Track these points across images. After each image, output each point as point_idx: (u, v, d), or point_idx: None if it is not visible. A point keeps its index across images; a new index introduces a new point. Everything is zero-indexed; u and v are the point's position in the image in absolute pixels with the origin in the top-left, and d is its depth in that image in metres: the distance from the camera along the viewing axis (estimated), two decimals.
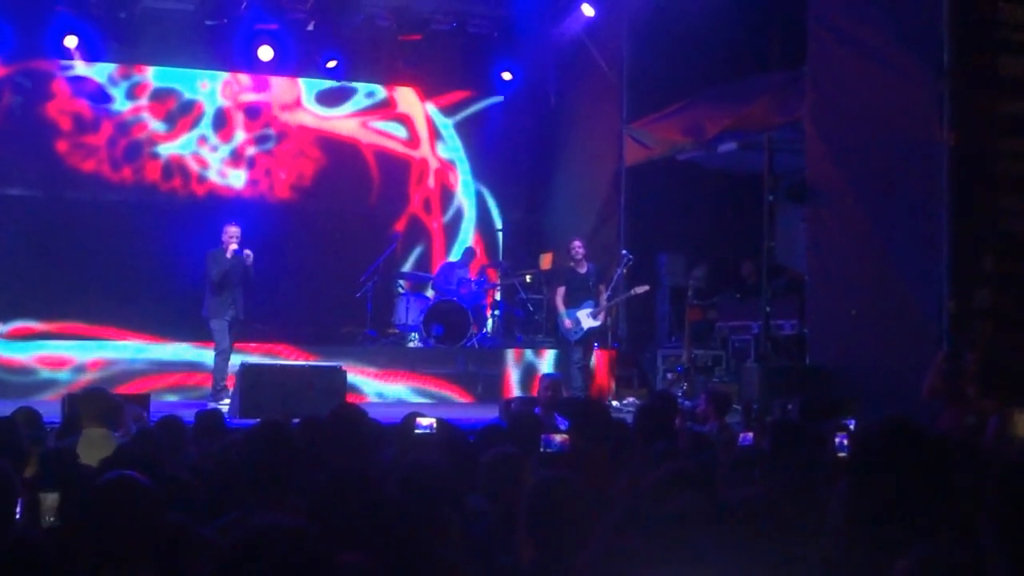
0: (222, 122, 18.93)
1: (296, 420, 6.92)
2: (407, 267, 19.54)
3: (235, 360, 14.17)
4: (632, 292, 15.37)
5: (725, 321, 15.94)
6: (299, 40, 18.09)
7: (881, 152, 12.49)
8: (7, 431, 6.61)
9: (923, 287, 11.75)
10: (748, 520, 4.17)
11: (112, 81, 18.31)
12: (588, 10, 17.45)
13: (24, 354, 15.39)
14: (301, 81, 19.23)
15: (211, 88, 18.89)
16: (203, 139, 18.82)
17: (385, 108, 19.84)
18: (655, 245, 17.22)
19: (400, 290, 18.12)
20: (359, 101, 19.63)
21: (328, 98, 19.42)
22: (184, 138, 18.72)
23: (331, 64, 18.45)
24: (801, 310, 14.19)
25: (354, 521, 4.27)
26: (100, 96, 18.22)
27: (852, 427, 6.82)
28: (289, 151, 19.26)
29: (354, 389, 15.81)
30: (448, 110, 20.23)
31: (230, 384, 13.84)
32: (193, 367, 15.25)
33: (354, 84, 19.38)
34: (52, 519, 4.63)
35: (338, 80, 19.00)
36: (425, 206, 20.09)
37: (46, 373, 15.11)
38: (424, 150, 20.11)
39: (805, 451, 6.51)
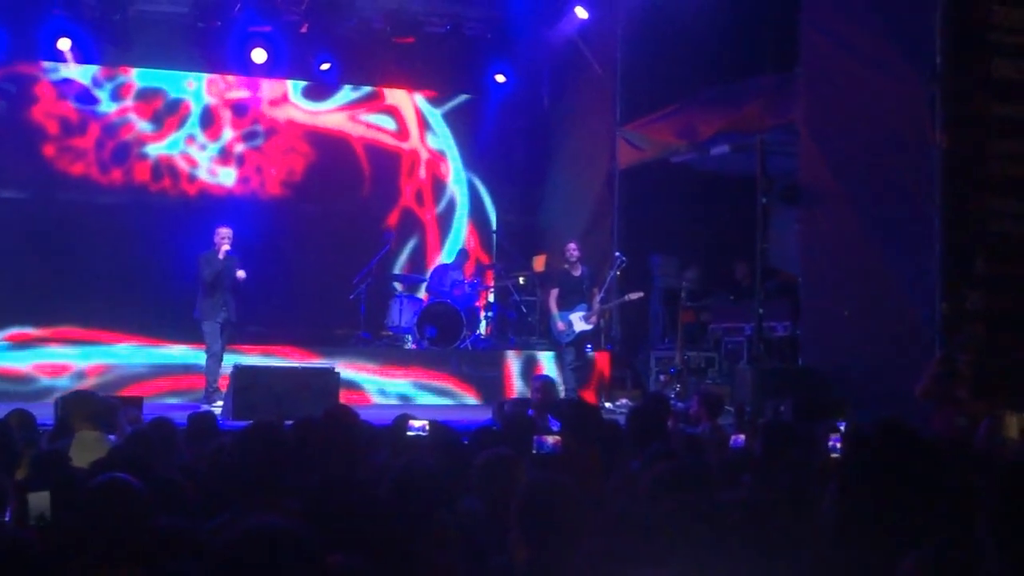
0: (209, 120, 18.86)
1: (289, 422, 6.93)
2: (402, 259, 19.54)
3: (232, 361, 14.10)
4: (625, 298, 15.38)
5: (718, 323, 15.96)
6: (292, 42, 18.06)
7: (874, 154, 12.51)
8: (0, 433, 6.60)
9: (915, 289, 11.77)
10: (740, 521, 4.18)
11: (96, 83, 18.24)
12: (582, 12, 17.46)
13: (22, 363, 15.30)
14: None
15: (197, 86, 18.81)
16: (191, 138, 18.75)
17: (373, 101, 19.77)
18: (648, 247, 17.24)
19: (397, 290, 18.10)
20: (346, 95, 19.56)
21: (315, 92, 19.36)
22: (172, 137, 18.64)
23: (324, 66, 18.42)
24: (794, 312, 14.22)
25: (346, 523, 4.28)
26: (86, 98, 18.17)
27: (844, 429, 6.84)
28: (278, 147, 19.18)
29: (355, 386, 15.84)
30: (436, 100, 20.18)
31: (223, 386, 13.82)
32: (192, 369, 15.12)
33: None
34: (42, 519, 4.63)
35: (330, 82, 19.00)
36: (417, 198, 20.02)
37: (45, 381, 15.03)
38: (414, 141, 20.03)
39: (797, 452, 6.52)
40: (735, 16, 15.39)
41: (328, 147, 19.38)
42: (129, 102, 18.43)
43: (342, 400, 15.05)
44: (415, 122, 20.02)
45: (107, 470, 4.53)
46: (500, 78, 19.31)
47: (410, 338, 17.37)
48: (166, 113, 18.62)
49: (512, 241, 19.85)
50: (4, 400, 14.04)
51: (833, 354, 12.89)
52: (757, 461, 6.51)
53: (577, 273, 15.10)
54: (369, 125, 19.74)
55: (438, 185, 20.16)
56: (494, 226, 20.17)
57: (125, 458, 5.42)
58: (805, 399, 9.69)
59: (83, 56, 17.51)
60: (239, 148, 19.02)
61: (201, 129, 18.80)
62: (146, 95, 18.52)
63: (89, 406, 7.69)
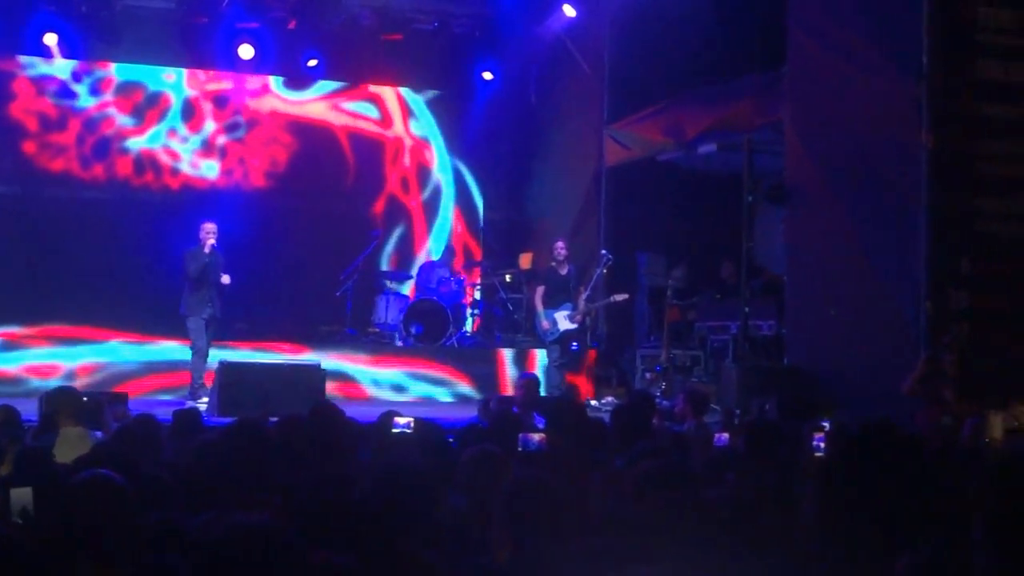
0: (190, 113, 18.72)
1: (274, 419, 6.93)
2: (389, 248, 19.50)
3: (223, 356, 14.02)
4: (611, 300, 15.38)
5: (704, 321, 15.98)
6: (280, 39, 18.03)
7: (860, 154, 12.53)
8: None
9: (901, 288, 11.80)
10: (723, 519, 4.18)
11: (75, 78, 18.10)
12: (570, 11, 17.45)
13: (12, 365, 15.22)
14: None
15: (177, 79, 18.66)
16: (173, 131, 18.62)
17: (355, 89, 19.67)
18: (635, 245, 17.26)
19: (387, 285, 18.06)
20: (327, 83, 19.44)
21: (296, 82, 19.21)
22: (153, 131, 18.51)
23: (312, 63, 18.40)
24: (779, 311, 14.25)
25: (330, 520, 4.27)
26: (65, 93, 18.08)
27: (828, 427, 6.85)
28: (261, 138, 19.06)
29: (347, 377, 15.82)
30: (419, 89, 20.11)
31: (209, 382, 13.80)
32: (183, 365, 14.79)
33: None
34: (24, 515, 4.62)
35: (318, 79, 18.98)
36: (403, 185, 19.92)
37: (36, 382, 14.86)
38: (397, 128, 19.91)
39: (781, 451, 6.53)
40: (722, 15, 15.40)
41: (311, 137, 19.26)
42: (109, 96, 18.31)
43: (335, 392, 15.19)
44: (398, 110, 19.91)
45: (90, 466, 4.52)
46: (488, 76, 19.30)
47: (396, 335, 17.35)
48: (146, 107, 18.48)
49: (499, 239, 19.85)
50: None
51: (818, 353, 12.92)
52: (741, 459, 6.52)
53: (564, 271, 15.10)
54: (351, 114, 19.61)
55: (423, 172, 20.05)
56: (480, 212, 20.14)
57: (109, 454, 5.41)
58: (790, 398, 9.70)
59: (69, 51, 17.45)
60: (221, 140, 18.91)
61: (182, 122, 18.67)
62: (126, 89, 18.39)
63: (73, 402, 7.69)
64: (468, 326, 18.15)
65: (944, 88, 11.70)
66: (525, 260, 18.76)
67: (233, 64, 18.06)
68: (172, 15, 17.62)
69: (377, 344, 17.06)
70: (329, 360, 15.71)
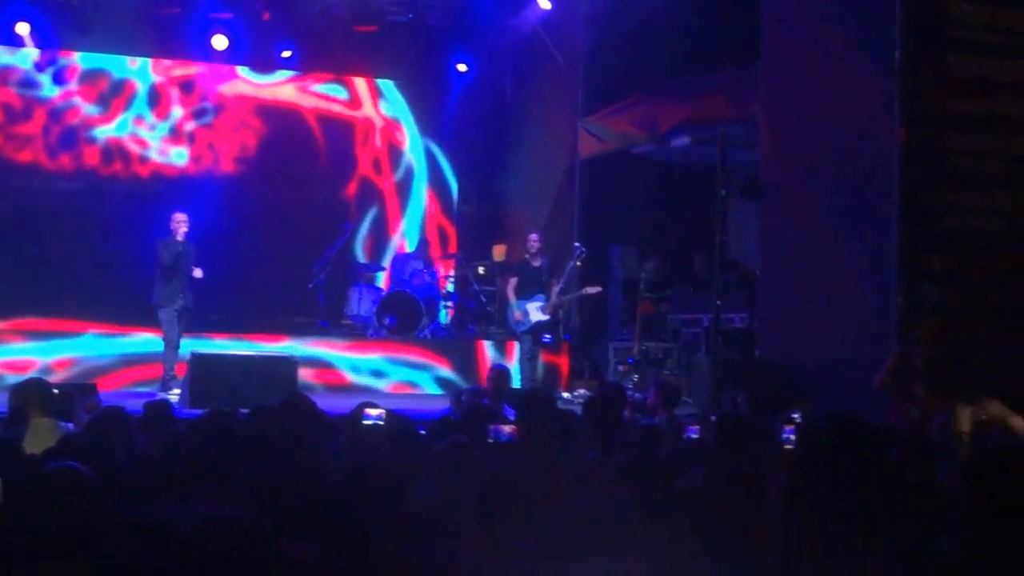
0: (157, 99, 18.55)
1: (245, 410, 6.92)
2: (363, 231, 19.45)
3: (199, 347, 13.97)
4: (583, 292, 15.38)
5: (676, 314, 16.03)
6: (254, 30, 17.96)
7: (832, 148, 12.58)
8: None
9: (872, 283, 11.85)
10: (693, 511, 4.20)
11: (38, 67, 17.95)
12: (544, 3, 17.42)
13: None
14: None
15: (141, 65, 18.49)
16: (140, 119, 18.47)
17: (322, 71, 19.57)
18: (608, 238, 17.28)
19: (361, 277, 18.01)
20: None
21: (262, 65, 19.06)
22: (120, 119, 18.36)
23: (286, 54, 18.34)
24: (751, 304, 14.30)
25: (300, 511, 4.27)
26: (28, 83, 17.91)
27: (799, 420, 6.87)
28: (229, 123, 18.90)
29: (326, 364, 15.79)
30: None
31: (181, 373, 13.74)
32: (159, 357, 14.88)
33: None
34: None
35: (292, 70, 18.90)
36: (375, 166, 19.81)
37: (11, 378, 14.66)
38: (367, 109, 19.79)
39: (751, 443, 6.55)
40: (697, 9, 15.43)
41: (280, 120, 19.11)
42: (73, 85, 18.15)
43: (314, 379, 15.20)
44: (367, 91, 19.79)
45: (59, 458, 4.51)
46: (462, 68, 19.29)
47: (369, 327, 17.32)
48: (112, 94, 18.32)
49: (473, 231, 19.84)
50: None
51: (790, 346, 12.97)
52: (711, 452, 6.54)
53: (537, 264, 15.09)
54: (320, 96, 19.48)
55: (395, 153, 19.94)
56: (454, 191, 20.11)
57: (78, 446, 5.40)
58: (761, 390, 9.75)
59: (42, 42, 17.34)
60: (189, 126, 18.75)
61: (149, 109, 18.51)
62: (90, 77, 18.23)
63: (43, 394, 7.65)
64: (442, 318, 18.14)
65: (917, 84, 11.74)
66: (499, 252, 18.75)
67: (206, 55, 17.97)
68: (145, 4, 17.49)
69: (351, 334, 17.04)
70: (308, 347, 15.77)
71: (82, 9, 17.15)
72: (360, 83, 19.75)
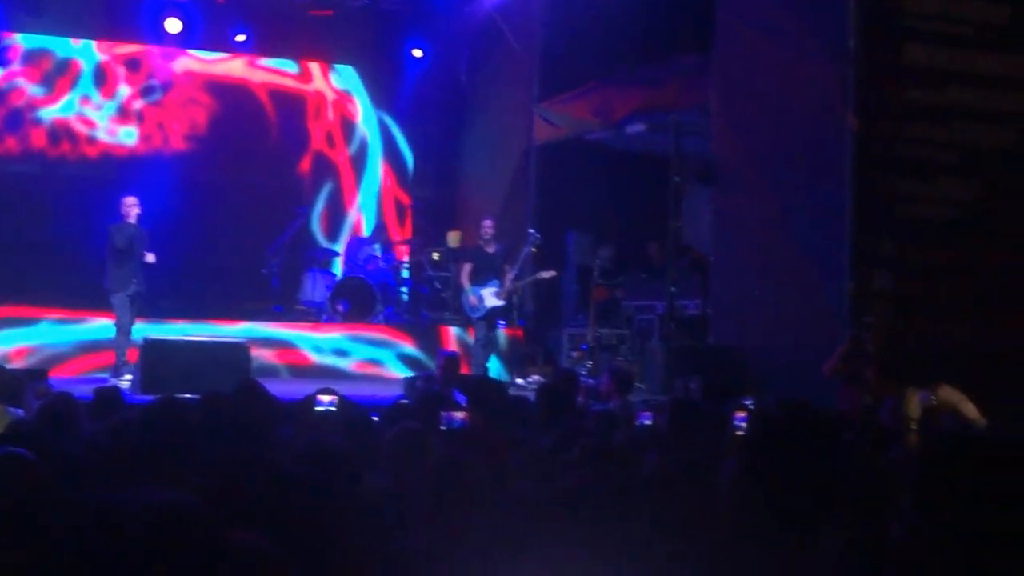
0: (102, 78, 18.32)
1: (197, 396, 6.87)
2: (320, 205, 19.38)
3: (152, 332, 13.84)
4: (537, 276, 15.37)
5: (630, 300, 16.07)
6: (208, 13, 17.82)
7: (786, 136, 12.63)
8: None
9: (825, 269, 11.92)
10: (644, 497, 4.20)
11: None
12: None
13: None
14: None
15: (84, 43, 18.23)
16: (86, 98, 18.25)
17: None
18: (563, 224, 17.29)
19: (318, 263, 17.91)
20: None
21: (216, 49, 18.89)
22: (65, 100, 18.13)
23: (240, 38, 18.22)
24: (705, 291, 14.35)
25: (250, 499, 4.24)
26: None
27: (751, 407, 6.90)
28: (178, 100, 18.67)
29: (288, 344, 15.72)
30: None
31: (133, 359, 13.62)
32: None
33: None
34: None
35: (247, 54, 18.76)
36: (328, 140, 19.68)
37: None
38: (318, 83, 19.65)
39: (704, 430, 6.57)
40: None
41: (230, 96, 18.92)
42: (16, 66, 17.90)
43: (277, 359, 15.18)
44: (317, 64, 19.67)
45: (7, 444, 4.46)
46: (417, 53, 19.24)
47: (323, 313, 17.25)
48: (56, 75, 18.08)
49: (427, 217, 19.80)
50: None
51: (743, 333, 13.03)
52: (663, 438, 6.55)
53: (491, 250, 15.06)
54: (269, 70, 19.32)
55: (348, 126, 19.83)
56: (410, 164, 20.03)
57: (26, 432, 5.35)
58: (714, 377, 9.78)
59: None
60: (137, 105, 18.52)
61: (95, 88, 18.29)
62: (33, 57, 17.98)
63: None
64: (395, 304, 18.10)
65: (871, 72, 11.80)
66: (453, 238, 18.73)
67: (160, 38, 17.81)
68: None
69: (305, 319, 16.96)
70: (269, 328, 15.75)
71: None
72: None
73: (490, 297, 14.80)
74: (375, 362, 16.12)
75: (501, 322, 15.63)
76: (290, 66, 19.48)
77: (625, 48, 15.96)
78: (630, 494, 4.21)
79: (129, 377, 13.33)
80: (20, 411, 7.59)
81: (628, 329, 15.91)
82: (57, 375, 13.10)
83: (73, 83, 18.19)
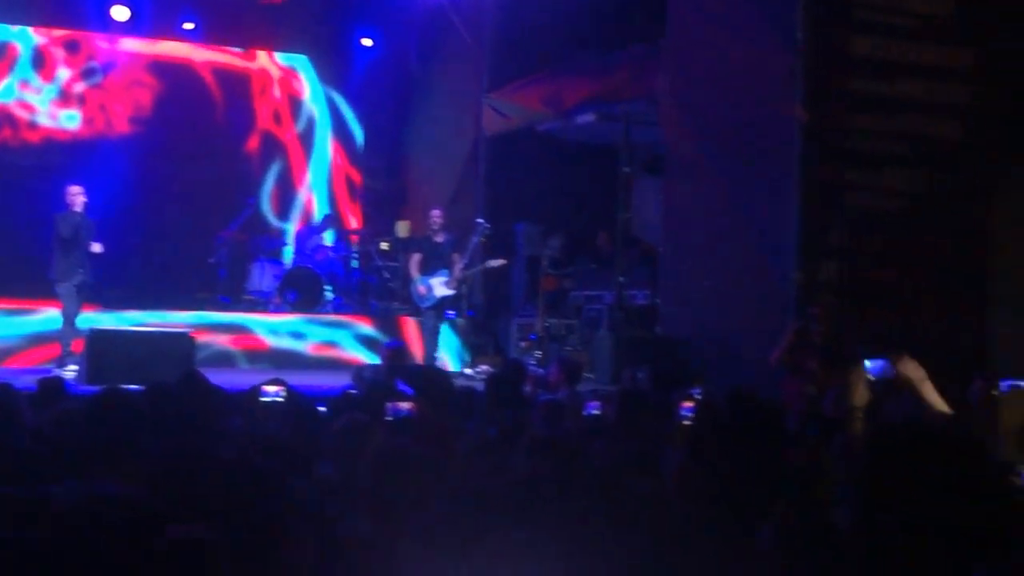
0: (41, 62, 18.00)
1: (140, 387, 6.81)
2: (269, 184, 19.25)
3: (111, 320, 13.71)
4: (487, 265, 15.38)
5: (579, 291, 16.09)
6: (155, 1, 17.64)
7: (735, 126, 12.68)
8: None
9: (772, 260, 11.98)
10: (591, 486, 4.20)
11: None
12: None
13: None
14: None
15: (21, 28, 17.91)
16: (25, 83, 17.93)
17: None
18: (513, 214, 17.27)
19: (267, 253, 17.78)
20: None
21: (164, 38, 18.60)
22: (3, 85, 17.83)
23: (188, 26, 18.06)
24: (654, 281, 14.39)
25: (193, 490, 4.20)
26: None
27: (698, 396, 6.93)
28: (120, 82, 18.38)
29: (244, 329, 15.62)
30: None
31: (78, 349, 13.48)
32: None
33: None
34: None
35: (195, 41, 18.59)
36: (275, 118, 19.50)
37: None
38: (262, 60, 19.46)
39: (651, 419, 6.59)
40: None
41: (173, 76, 18.62)
42: None
43: (233, 344, 15.14)
44: (266, 51, 19.51)
45: None
46: (367, 42, 19.16)
47: (270, 303, 17.15)
48: None
49: (377, 207, 19.75)
50: None
51: (691, 323, 13.07)
52: (611, 428, 6.57)
53: (440, 240, 15.04)
54: (212, 47, 19.07)
55: (295, 103, 19.65)
56: (360, 140, 19.92)
57: None
58: (662, 367, 9.80)
59: None
60: (78, 88, 18.22)
61: (34, 72, 17.97)
62: None
63: None
64: (344, 293, 18.03)
65: (819, 63, 11.87)
66: (403, 228, 18.69)
67: (106, 26, 17.61)
68: None
69: (254, 309, 16.87)
70: (224, 313, 15.72)
71: None
72: None
73: (439, 286, 14.78)
74: (332, 344, 16.05)
75: (450, 312, 15.61)
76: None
77: (575, 38, 15.97)
78: (577, 484, 4.21)
79: (75, 368, 13.20)
80: None
81: (577, 319, 15.94)
82: (8, 367, 12.95)
83: (11, 67, 17.88)
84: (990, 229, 12.27)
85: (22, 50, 17.95)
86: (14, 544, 3.64)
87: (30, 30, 17.97)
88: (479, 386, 8.97)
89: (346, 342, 16.13)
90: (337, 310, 17.21)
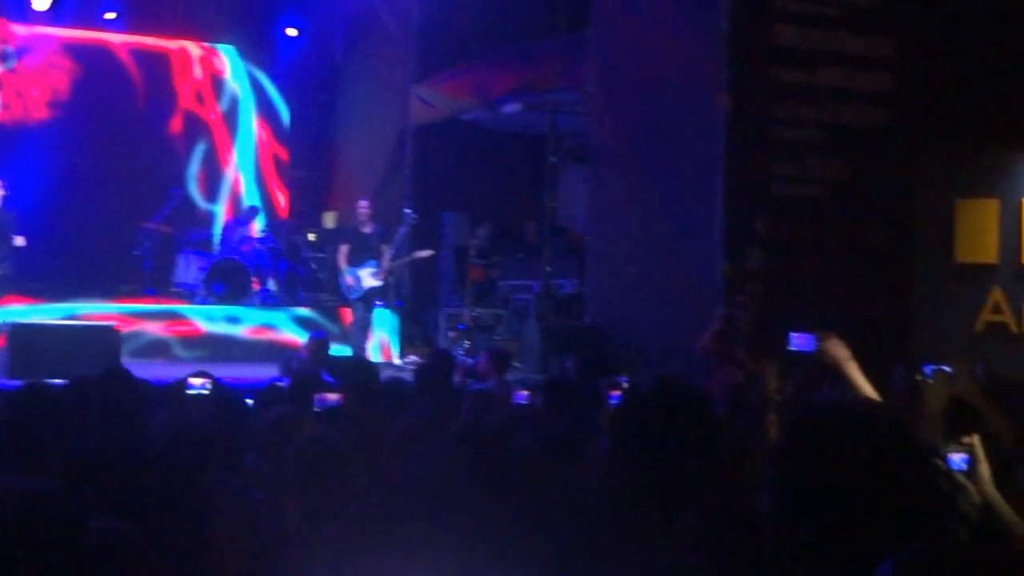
0: None
1: (61, 381, 6.74)
2: (195, 167, 19.06)
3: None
4: (414, 256, 15.37)
5: (507, 280, 16.10)
6: None
7: (661, 116, 12.72)
8: None
9: (698, 249, 12.04)
10: (518, 475, 4.21)
11: None
12: None
13: None
14: None
15: None
16: None
17: None
18: (440, 204, 17.26)
19: (192, 244, 17.60)
20: None
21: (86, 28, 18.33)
22: None
23: (110, 16, 17.85)
24: (581, 270, 14.43)
25: (116, 485, 4.17)
26: None
27: (625, 384, 6.96)
28: (36, 65, 18.03)
29: (179, 316, 15.56)
30: None
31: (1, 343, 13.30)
32: None
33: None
34: None
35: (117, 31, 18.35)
36: (197, 98, 19.27)
37: None
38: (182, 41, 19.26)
39: (578, 408, 6.62)
40: None
41: (90, 58, 18.31)
42: None
43: (167, 332, 15.04)
44: (191, 42, 19.27)
45: None
46: (292, 32, 19.06)
47: (197, 295, 16.99)
48: None
49: (304, 197, 19.65)
50: None
51: (618, 312, 13.11)
52: (539, 416, 6.59)
53: (367, 230, 15.02)
54: (135, 36, 18.79)
55: (217, 82, 19.44)
56: (285, 118, 19.75)
57: None
58: (590, 356, 9.84)
59: None
60: None
61: None
62: None
63: None
64: (271, 285, 17.91)
65: (743, 53, 11.94)
66: (330, 219, 18.63)
67: (25, 15, 17.34)
68: None
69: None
70: (158, 302, 15.71)
71: None
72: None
73: (368, 277, 14.75)
74: (269, 327, 15.95)
75: (378, 302, 15.58)
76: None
77: (502, 28, 15.99)
78: (504, 473, 4.22)
79: None
80: None
81: (505, 309, 15.95)
82: None
83: None
84: (913, 215, 12.42)
85: None
86: None
87: None
88: (408, 376, 8.95)
89: (283, 324, 16.05)
90: (264, 302, 17.10)
